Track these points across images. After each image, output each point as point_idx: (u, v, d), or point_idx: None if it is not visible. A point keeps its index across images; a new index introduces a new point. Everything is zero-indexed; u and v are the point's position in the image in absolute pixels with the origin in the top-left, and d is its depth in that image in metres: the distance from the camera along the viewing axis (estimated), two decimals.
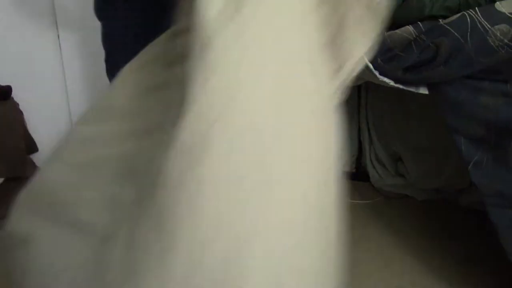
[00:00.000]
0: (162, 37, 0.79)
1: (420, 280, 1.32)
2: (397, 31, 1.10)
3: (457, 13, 1.03)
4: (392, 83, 1.18)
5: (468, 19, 0.99)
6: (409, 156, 1.83)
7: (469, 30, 0.99)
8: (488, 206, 1.09)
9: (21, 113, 1.77)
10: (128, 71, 0.80)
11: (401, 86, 1.18)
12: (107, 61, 1.29)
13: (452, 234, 1.54)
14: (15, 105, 1.76)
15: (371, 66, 1.16)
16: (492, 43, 0.97)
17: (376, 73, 1.17)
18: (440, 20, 1.05)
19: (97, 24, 1.88)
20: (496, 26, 0.96)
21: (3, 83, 1.73)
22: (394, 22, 1.11)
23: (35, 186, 0.82)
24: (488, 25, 0.97)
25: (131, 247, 0.64)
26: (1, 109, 1.67)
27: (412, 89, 1.17)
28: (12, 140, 1.59)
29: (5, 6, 1.71)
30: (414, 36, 1.07)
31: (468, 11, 1.00)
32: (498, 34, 0.96)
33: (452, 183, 1.72)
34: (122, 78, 0.80)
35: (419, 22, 1.07)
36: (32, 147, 1.79)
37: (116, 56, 1.21)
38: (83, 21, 1.85)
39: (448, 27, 1.02)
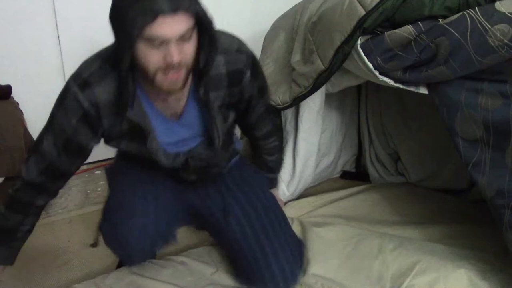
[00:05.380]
0: None
1: None
2: (396, 30, 1.10)
3: (457, 13, 1.03)
4: (392, 83, 1.18)
5: (468, 19, 0.99)
6: (409, 156, 1.83)
7: (469, 30, 0.99)
8: (489, 205, 1.09)
9: (21, 113, 1.77)
10: None
11: (401, 86, 1.18)
12: None
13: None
14: (15, 105, 1.76)
15: (371, 66, 1.16)
16: (492, 43, 0.96)
17: (376, 73, 1.17)
18: (440, 20, 1.05)
19: (97, 24, 1.88)
20: (496, 26, 0.96)
21: (3, 83, 1.73)
22: (394, 22, 1.11)
23: None
24: (488, 25, 0.97)
25: None
26: (1, 109, 1.67)
27: (412, 89, 1.17)
28: (12, 140, 1.59)
29: (5, 6, 1.71)
30: (414, 36, 1.07)
31: (468, 11, 1.00)
32: (498, 34, 0.95)
33: (452, 183, 1.72)
34: None
35: (419, 22, 1.07)
36: None
37: None
38: (83, 20, 1.85)
39: (448, 27, 1.02)
